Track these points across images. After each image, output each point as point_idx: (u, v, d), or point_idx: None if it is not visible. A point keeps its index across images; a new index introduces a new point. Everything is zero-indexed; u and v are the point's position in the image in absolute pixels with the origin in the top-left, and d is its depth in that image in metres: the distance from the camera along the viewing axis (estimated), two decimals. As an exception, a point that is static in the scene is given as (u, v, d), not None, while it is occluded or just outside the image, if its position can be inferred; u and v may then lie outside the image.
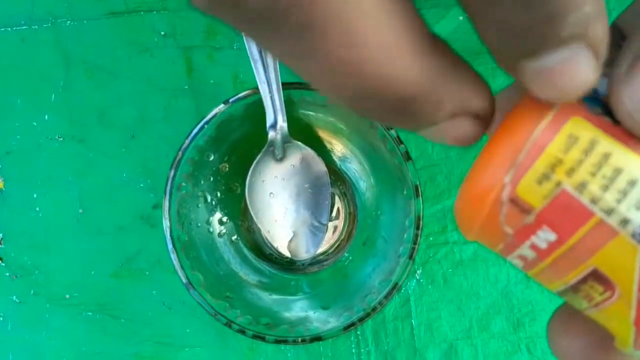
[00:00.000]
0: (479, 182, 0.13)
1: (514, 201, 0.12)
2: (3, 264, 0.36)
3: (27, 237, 0.36)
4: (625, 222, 0.11)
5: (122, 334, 0.36)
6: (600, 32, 0.10)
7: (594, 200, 0.12)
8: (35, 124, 0.37)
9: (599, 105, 0.12)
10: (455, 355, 0.35)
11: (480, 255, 0.36)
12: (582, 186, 0.12)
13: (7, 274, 0.36)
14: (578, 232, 0.12)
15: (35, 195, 0.37)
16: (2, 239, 0.36)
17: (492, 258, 0.36)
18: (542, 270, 0.13)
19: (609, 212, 0.12)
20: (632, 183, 0.11)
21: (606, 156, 0.12)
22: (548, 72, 0.11)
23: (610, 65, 0.12)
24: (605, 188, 0.12)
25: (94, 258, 0.36)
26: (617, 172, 0.12)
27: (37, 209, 0.37)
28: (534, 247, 0.13)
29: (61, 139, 0.37)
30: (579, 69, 0.10)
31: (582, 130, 0.12)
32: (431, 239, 0.36)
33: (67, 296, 0.36)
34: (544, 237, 0.12)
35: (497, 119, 0.15)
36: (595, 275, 0.12)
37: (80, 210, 0.36)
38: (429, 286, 0.36)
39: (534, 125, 0.12)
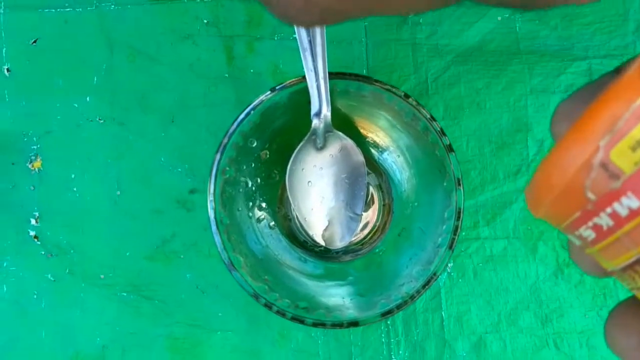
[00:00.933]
0: (572, 146, 0.14)
1: (605, 165, 0.13)
2: (38, 243, 0.37)
3: (64, 217, 0.37)
4: None
5: (155, 315, 0.36)
6: None
7: None
8: (76, 105, 0.37)
9: None
10: (484, 348, 0.36)
11: (510, 251, 0.36)
12: None
13: (42, 252, 0.36)
14: None
15: (73, 176, 0.37)
16: (38, 217, 0.37)
17: (521, 254, 0.36)
18: (615, 241, 0.14)
19: None
20: None
21: None
22: None
23: None
24: None
25: (130, 240, 0.37)
26: None
27: (75, 189, 0.37)
28: (613, 214, 0.13)
29: (102, 121, 0.37)
30: None
31: None
32: (463, 233, 0.36)
33: (102, 276, 0.36)
34: (627, 203, 0.13)
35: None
36: None
37: (118, 192, 0.37)
38: (460, 280, 0.36)
39: (634, 98, 0.13)
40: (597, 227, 0.14)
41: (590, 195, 0.14)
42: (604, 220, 0.14)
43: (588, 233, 0.14)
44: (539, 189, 0.15)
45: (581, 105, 0.15)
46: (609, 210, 0.13)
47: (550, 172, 0.14)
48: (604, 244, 0.14)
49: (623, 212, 0.13)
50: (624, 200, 0.13)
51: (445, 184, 0.31)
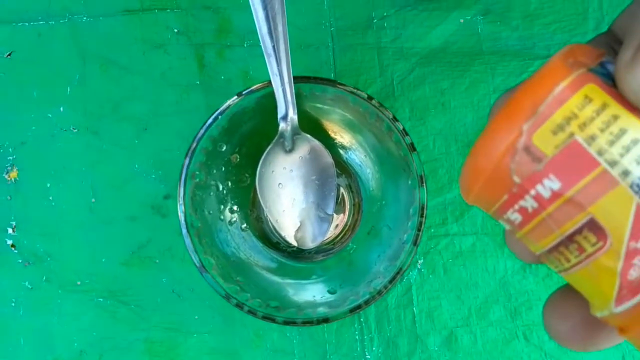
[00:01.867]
0: (497, 131, 0.14)
1: (528, 148, 0.14)
2: (16, 251, 0.37)
3: (40, 226, 0.37)
4: (626, 173, 0.13)
5: (132, 319, 0.37)
6: None
7: (600, 152, 0.13)
8: (50, 115, 0.38)
9: (608, 77, 0.14)
10: (455, 342, 0.36)
11: (478, 247, 0.37)
12: (591, 139, 0.13)
13: (20, 261, 0.37)
14: (582, 180, 0.13)
15: (48, 185, 0.38)
16: (15, 227, 0.37)
17: (490, 250, 0.37)
18: (540, 222, 0.15)
19: (613, 163, 0.13)
20: (634, 142, 0.13)
21: (615, 117, 0.13)
22: None
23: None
24: (612, 143, 0.13)
25: (105, 246, 0.37)
26: (623, 131, 0.13)
27: (51, 198, 0.38)
28: (537, 196, 0.14)
29: (75, 130, 0.38)
30: None
31: (596, 94, 0.14)
32: (432, 230, 0.37)
33: (79, 283, 0.37)
34: (549, 185, 0.14)
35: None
36: (591, 225, 0.14)
37: (93, 200, 0.38)
38: (430, 276, 0.37)
39: (556, 83, 0.14)
40: (522, 210, 0.15)
41: (516, 178, 0.14)
42: (528, 202, 0.15)
43: (515, 216, 0.15)
44: (469, 175, 0.16)
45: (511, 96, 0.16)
46: (532, 192, 0.14)
47: (478, 157, 0.15)
48: (530, 227, 0.15)
49: (546, 194, 0.14)
50: (546, 182, 0.14)
51: (409, 182, 0.32)
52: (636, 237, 0.13)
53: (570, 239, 0.14)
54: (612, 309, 0.14)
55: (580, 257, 0.14)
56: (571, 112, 0.14)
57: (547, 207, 0.14)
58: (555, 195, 0.14)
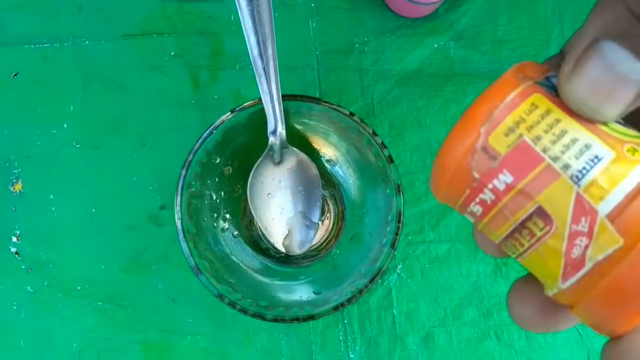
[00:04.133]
0: (459, 133, 0.17)
1: (485, 148, 0.16)
2: (19, 258, 0.39)
3: (43, 235, 0.40)
4: (566, 167, 0.15)
5: (130, 322, 0.39)
6: None
7: (545, 150, 0.16)
8: (54, 131, 0.41)
9: (552, 88, 0.17)
10: (432, 341, 0.39)
11: (453, 253, 0.40)
12: (537, 138, 0.16)
13: (23, 267, 0.39)
14: (530, 174, 0.16)
15: (51, 197, 0.40)
16: (19, 235, 0.40)
17: (464, 255, 0.40)
18: (497, 212, 0.17)
19: (555, 159, 0.16)
20: (573, 140, 0.16)
21: (557, 120, 0.16)
22: None
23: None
24: (554, 142, 0.16)
25: (105, 254, 0.40)
26: (564, 132, 0.16)
27: (53, 208, 0.40)
28: (494, 189, 0.17)
29: (78, 145, 0.40)
30: None
31: (541, 102, 0.16)
32: (410, 237, 0.40)
33: (79, 288, 0.39)
34: (504, 179, 0.16)
35: None
36: (539, 212, 0.16)
37: (94, 210, 0.40)
38: (409, 280, 0.40)
39: (507, 93, 0.17)
40: (482, 202, 0.17)
41: (476, 174, 0.17)
42: (487, 195, 0.17)
43: (477, 208, 0.18)
44: (437, 174, 0.18)
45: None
46: (490, 186, 0.17)
47: (444, 157, 0.18)
48: (490, 217, 0.17)
49: (501, 186, 0.16)
50: (501, 176, 0.16)
51: (388, 191, 0.35)
52: (576, 220, 0.15)
53: (522, 225, 0.16)
54: (560, 285, 0.16)
55: (532, 241, 0.16)
56: (520, 117, 0.16)
57: (503, 198, 0.16)
58: (509, 187, 0.16)
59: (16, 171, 0.40)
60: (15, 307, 0.39)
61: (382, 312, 0.39)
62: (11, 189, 0.40)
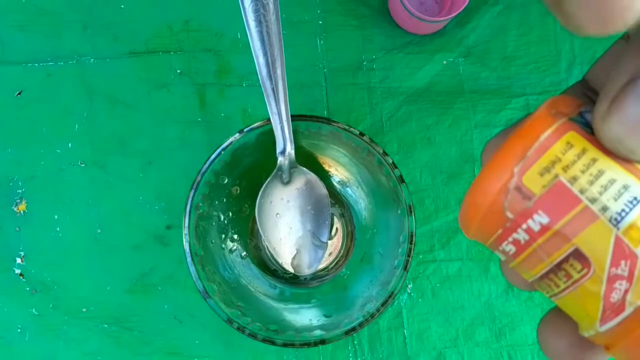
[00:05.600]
0: (492, 173, 0.17)
1: (519, 188, 0.16)
2: (24, 280, 0.39)
3: (48, 255, 0.39)
4: (604, 209, 0.15)
5: (135, 345, 0.38)
6: None
7: (582, 191, 0.15)
8: (59, 151, 0.40)
9: (587, 125, 0.16)
10: (443, 362, 0.38)
11: (464, 271, 0.40)
12: (574, 179, 0.15)
13: (28, 289, 0.39)
14: (567, 216, 0.15)
15: (56, 217, 0.40)
16: (24, 257, 0.39)
17: (475, 274, 0.40)
18: (531, 253, 0.17)
19: (593, 200, 0.15)
20: (611, 181, 0.15)
21: (593, 160, 0.15)
22: None
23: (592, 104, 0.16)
24: (591, 183, 0.15)
25: (110, 275, 0.39)
26: (601, 172, 0.15)
27: (58, 229, 0.39)
28: (528, 230, 0.16)
29: (83, 164, 0.40)
30: None
31: (577, 140, 0.16)
32: (420, 256, 0.40)
33: (84, 310, 0.38)
34: (539, 220, 0.16)
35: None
36: (576, 254, 0.16)
37: (99, 231, 0.39)
38: (419, 299, 0.39)
39: (541, 132, 0.16)
40: (516, 242, 0.17)
41: (509, 214, 0.16)
42: (521, 235, 0.16)
43: (509, 248, 0.17)
44: (468, 211, 0.18)
45: (503, 142, 0.18)
46: (524, 226, 0.16)
47: (476, 196, 0.17)
48: (523, 257, 0.17)
49: (535, 227, 0.16)
50: (535, 217, 0.16)
51: (399, 211, 0.34)
52: (616, 264, 0.15)
53: (558, 267, 0.16)
54: (598, 328, 0.16)
55: (568, 283, 0.16)
56: (555, 157, 0.16)
57: (537, 239, 0.16)
58: (544, 228, 0.16)
59: (20, 191, 0.40)
60: (19, 330, 0.38)
61: (392, 332, 0.39)
62: (15, 209, 0.39)
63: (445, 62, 0.41)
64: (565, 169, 0.15)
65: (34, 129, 0.40)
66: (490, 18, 0.41)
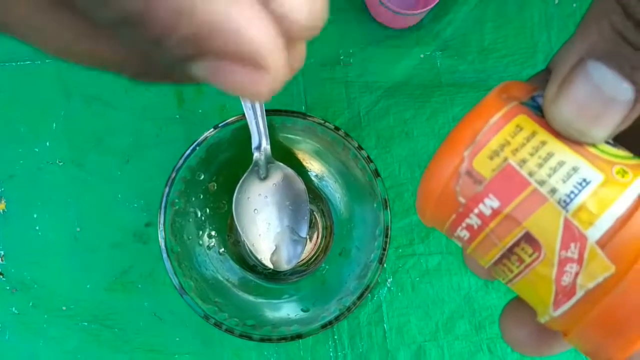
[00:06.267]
0: (443, 158, 0.16)
1: (469, 172, 0.16)
2: (4, 279, 0.39)
3: (27, 254, 0.39)
4: (553, 191, 0.15)
5: (116, 342, 0.38)
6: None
7: (531, 173, 0.15)
8: (37, 149, 0.40)
9: (538, 109, 0.16)
10: (424, 355, 0.38)
11: (444, 265, 0.40)
12: (522, 162, 0.15)
13: (7, 288, 0.39)
14: (516, 199, 0.15)
15: (35, 216, 0.39)
16: (3, 256, 0.39)
17: (454, 268, 0.40)
18: (484, 238, 0.16)
19: (542, 183, 0.15)
20: (560, 163, 0.15)
21: (543, 143, 0.15)
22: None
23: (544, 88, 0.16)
24: (540, 165, 0.15)
25: (90, 273, 0.39)
26: (550, 154, 0.15)
27: (37, 228, 0.39)
28: (480, 214, 0.16)
29: (61, 163, 0.40)
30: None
31: (526, 124, 0.16)
32: (400, 250, 0.40)
33: (64, 308, 0.38)
34: (490, 204, 0.16)
35: None
36: (527, 238, 0.15)
37: (78, 229, 0.39)
38: (399, 293, 0.39)
39: (491, 116, 0.16)
40: (469, 227, 0.17)
41: (461, 199, 0.16)
42: (473, 220, 0.16)
43: (463, 233, 0.17)
44: (422, 198, 0.18)
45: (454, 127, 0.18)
46: (476, 211, 0.16)
47: (428, 182, 0.17)
48: (477, 242, 0.17)
49: (487, 211, 0.16)
50: (486, 201, 0.16)
51: (374, 205, 0.34)
52: (565, 247, 0.15)
53: (510, 251, 0.16)
54: (552, 313, 0.16)
55: (521, 267, 0.16)
56: (504, 140, 0.15)
57: (489, 224, 0.16)
58: (495, 212, 0.16)
59: (-1, 191, 0.40)
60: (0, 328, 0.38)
61: (372, 327, 0.39)
62: (-6, 208, 0.39)
63: (422, 55, 0.41)
64: (515, 152, 0.15)
65: (12, 128, 0.40)
66: (466, 11, 0.41)
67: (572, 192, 0.15)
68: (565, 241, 0.15)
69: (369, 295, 0.38)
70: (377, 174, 0.33)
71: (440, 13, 0.41)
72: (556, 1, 0.42)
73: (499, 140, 0.16)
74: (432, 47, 0.41)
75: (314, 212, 0.40)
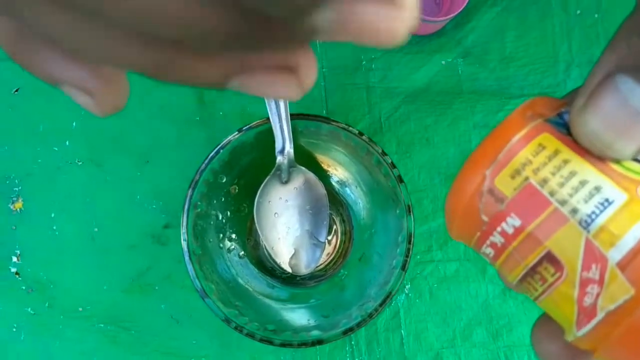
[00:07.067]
0: (466, 176, 0.17)
1: (492, 191, 0.16)
2: (20, 278, 0.38)
3: (44, 254, 0.39)
4: (574, 211, 0.15)
5: (132, 344, 0.38)
6: None
7: (552, 193, 0.15)
8: (56, 148, 0.40)
9: (564, 126, 0.16)
10: (441, 363, 0.38)
11: (462, 272, 0.40)
12: (544, 181, 0.15)
13: (23, 288, 0.38)
14: (538, 219, 0.15)
15: (53, 215, 0.39)
16: (19, 255, 0.39)
17: (472, 275, 0.40)
18: (508, 256, 0.16)
19: (563, 202, 0.15)
20: (582, 183, 0.15)
21: (565, 162, 0.15)
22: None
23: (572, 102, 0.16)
24: (562, 185, 0.15)
25: (107, 274, 0.39)
26: (572, 174, 0.15)
27: (54, 227, 0.39)
28: (503, 232, 0.16)
29: (80, 163, 0.40)
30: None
31: (549, 142, 0.16)
32: (418, 257, 0.40)
33: (81, 309, 0.38)
34: (512, 222, 0.16)
35: None
36: (549, 257, 0.15)
37: (96, 229, 0.39)
38: (417, 300, 0.39)
39: (513, 135, 0.16)
40: (493, 245, 0.17)
41: (484, 217, 0.16)
42: (497, 238, 0.16)
43: (489, 250, 0.17)
44: (448, 214, 0.18)
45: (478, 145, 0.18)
46: (499, 229, 0.16)
47: (453, 199, 0.17)
48: (502, 260, 0.17)
49: (509, 230, 0.16)
50: (508, 220, 0.16)
51: (397, 211, 0.34)
52: (587, 267, 0.15)
53: (534, 270, 0.16)
54: (576, 333, 0.16)
55: (544, 287, 0.16)
56: (526, 159, 0.16)
57: (512, 242, 0.16)
58: (517, 231, 0.16)
59: (17, 189, 0.39)
60: (14, 329, 0.38)
61: (390, 333, 0.39)
62: (11, 207, 0.39)
63: (444, 62, 0.41)
64: (536, 171, 0.15)
65: (31, 127, 0.40)
66: (489, 19, 0.41)
67: (593, 212, 0.15)
68: (586, 262, 0.15)
69: (387, 301, 0.38)
70: (400, 179, 0.33)
71: (463, 21, 0.41)
72: (578, 11, 0.42)
73: (520, 159, 0.16)
74: (453, 54, 0.41)
75: (333, 217, 0.40)
